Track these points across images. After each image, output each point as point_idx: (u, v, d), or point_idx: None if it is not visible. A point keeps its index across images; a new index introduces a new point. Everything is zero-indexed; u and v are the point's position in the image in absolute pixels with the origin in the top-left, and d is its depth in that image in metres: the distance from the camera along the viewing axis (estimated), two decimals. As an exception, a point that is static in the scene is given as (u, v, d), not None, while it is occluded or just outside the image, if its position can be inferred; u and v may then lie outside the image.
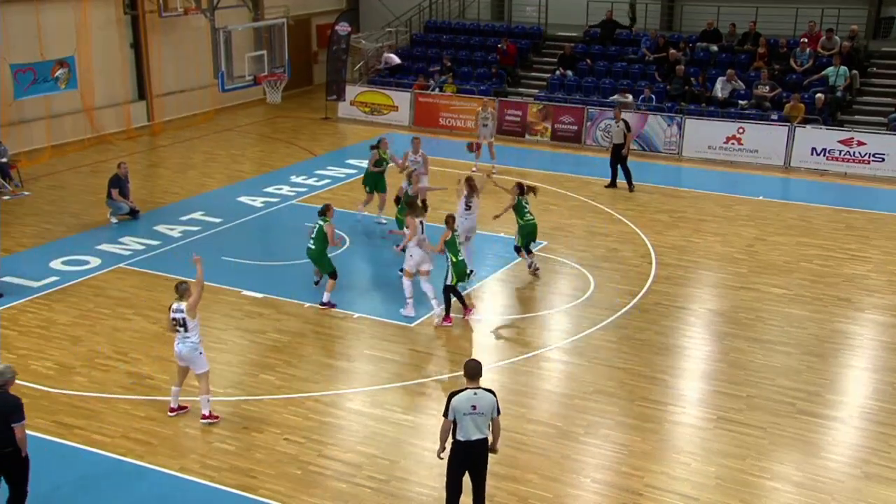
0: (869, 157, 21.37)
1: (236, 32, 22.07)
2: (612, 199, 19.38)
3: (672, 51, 25.00)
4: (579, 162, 22.75)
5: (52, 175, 20.56)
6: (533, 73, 27.42)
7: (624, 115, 20.37)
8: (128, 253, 16.00)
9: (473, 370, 8.47)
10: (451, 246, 13.11)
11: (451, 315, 13.40)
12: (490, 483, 9.62)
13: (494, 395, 8.50)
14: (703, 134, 22.76)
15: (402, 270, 13.85)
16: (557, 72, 26.06)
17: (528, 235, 14.84)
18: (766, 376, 12.02)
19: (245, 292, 14.41)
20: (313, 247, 13.73)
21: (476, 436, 8.40)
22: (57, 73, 21.56)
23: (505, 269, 15.54)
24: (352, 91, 26.61)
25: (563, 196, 19.64)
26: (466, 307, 13.48)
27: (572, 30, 27.96)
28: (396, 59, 27.64)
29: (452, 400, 8.36)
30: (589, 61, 26.18)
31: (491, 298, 14.61)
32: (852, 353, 12.88)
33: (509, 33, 28.20)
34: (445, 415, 8.44)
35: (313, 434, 10.56)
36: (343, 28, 26.24)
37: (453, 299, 13.39)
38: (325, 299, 13.87)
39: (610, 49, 26.69)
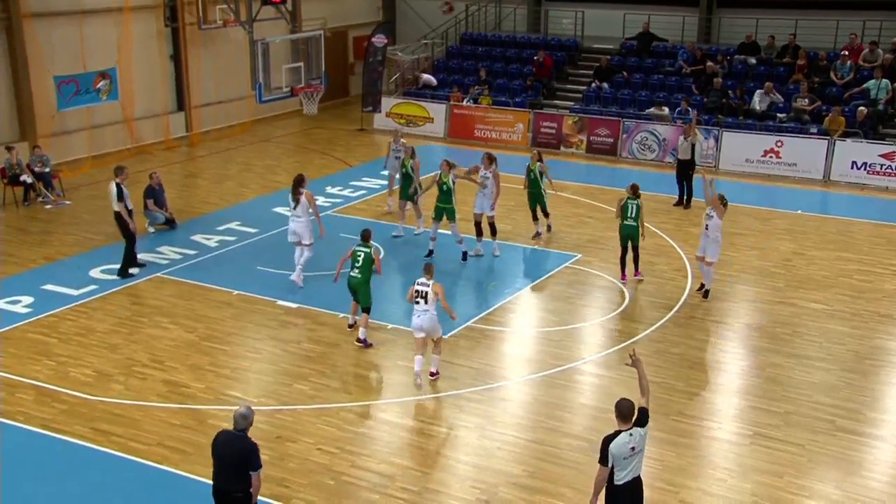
0: (911, 171, 21.03)
1: (274, 44, 22.26)
2: (648, 212, 19.12)
3: (709, 63, 24.82)
4: (615, 174, 22.65)
5: (93, 185, 20.87)
6: (569, 86, 27.38)
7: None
8: (165, 262, 16.19)
9: (628, 411, 7.88)
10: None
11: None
12: (523, 497, 9.60)
13: (642, 426, 8.00)
14: (741, 147, 22.55)
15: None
16: (593, 84, 25.99)
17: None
18: (804, 392, 11.84)
19: (280, 302, 14.51)
20: (359, 276, 12.79)
21: (633, 475, 7.97)
22: (99, 85, 21.95)
23: (538, 281, 15.49)
24: (387, 102, 26.76)
25: (599, 208, 19.55)
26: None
27: (609, 42, 27.89)
28: (434, 81, 27.78)
29: (610, 446, 7.80)
30: (625, 74, 26.09)
31: (524, 311, 14.57)
32: (894, 370, 12.65)
33: (545, 45, 28.18)
34: (604, 462, 7.85)
35: (346, 444, 10.58)
36: (380, 40, 26.41)
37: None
38: (361, 336, 13.05)
39: (646, 61, 26.57)
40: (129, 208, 15.33)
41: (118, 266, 15.47)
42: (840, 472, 10.17)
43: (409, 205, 17.46)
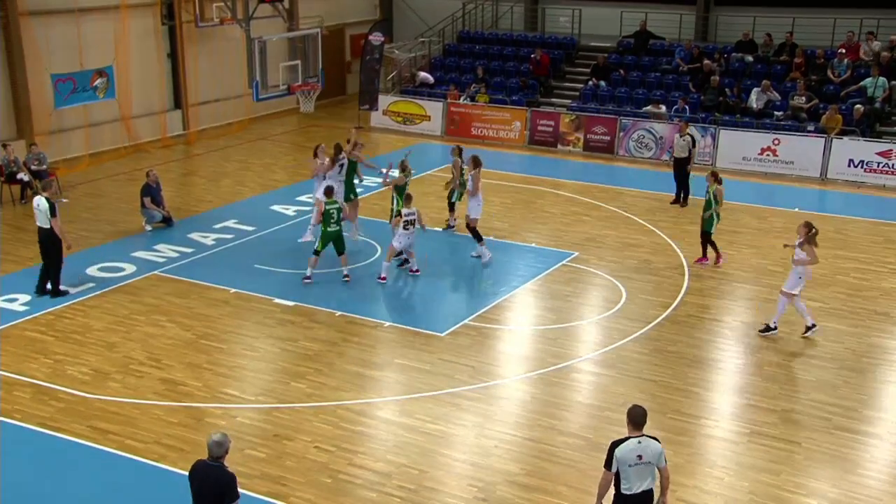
0: (908, 169, 21.06)
1: (271, 42, 22.26)
2: (645, 210, 19.26)
3: (706, 61, 24.83)
4: (612, 172, 22.66)
5: (90, 183, 20.85)
6: (566, 84, 27.39)
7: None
8: (162, 260, 16.17)
9: (640, 417, 7.73)
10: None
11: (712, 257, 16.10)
12: (521, 495, 9.61)
13: (660, 443, 7.85)
14: (738, 145, 22.57)
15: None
16: (590, 82, 25.99)
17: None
18: (802, 391, 11.86)
19: (277, 300, 14.50)
20: (338, 228, 14.82)
21: (642, 487, 7.75)
22: (96, 83, 21.91)
23: (536, 279, 15.50)
24: (384, 101, 26.76)
25: (596, 206, 19.56)
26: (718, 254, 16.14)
27: (606, 40, 27.90)
28: (431, 79, 27.78)
29: (616, 450, 7.65)
30: (622, 72, 26.10)
31: (522, 309, 14.58)
32: (890, 368, 12.66)
33: (542, 43, 28.21)
34: (608, 466, 7.71)
35: (343, 443, 10.58)
36: (376, 38, 26.39)
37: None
38: (347, 271, 15.09)
39: (644, 60, 26.58)
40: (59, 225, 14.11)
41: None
42: (837, 470, 10.19)
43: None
